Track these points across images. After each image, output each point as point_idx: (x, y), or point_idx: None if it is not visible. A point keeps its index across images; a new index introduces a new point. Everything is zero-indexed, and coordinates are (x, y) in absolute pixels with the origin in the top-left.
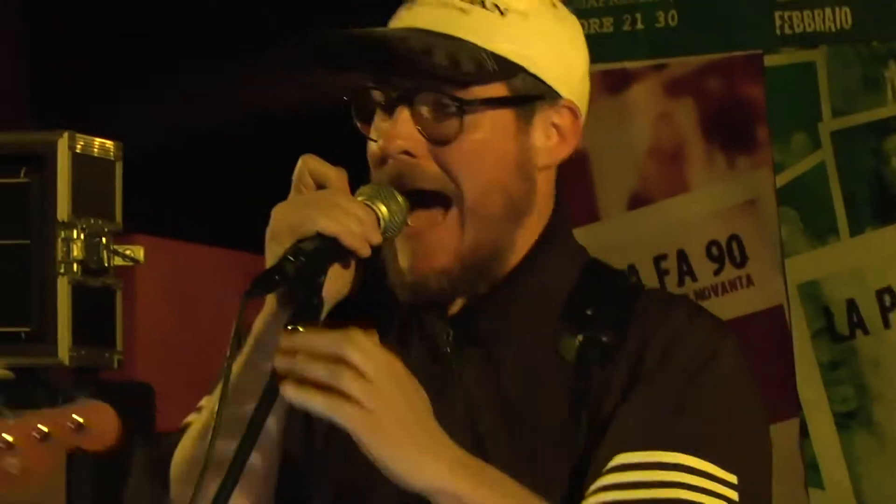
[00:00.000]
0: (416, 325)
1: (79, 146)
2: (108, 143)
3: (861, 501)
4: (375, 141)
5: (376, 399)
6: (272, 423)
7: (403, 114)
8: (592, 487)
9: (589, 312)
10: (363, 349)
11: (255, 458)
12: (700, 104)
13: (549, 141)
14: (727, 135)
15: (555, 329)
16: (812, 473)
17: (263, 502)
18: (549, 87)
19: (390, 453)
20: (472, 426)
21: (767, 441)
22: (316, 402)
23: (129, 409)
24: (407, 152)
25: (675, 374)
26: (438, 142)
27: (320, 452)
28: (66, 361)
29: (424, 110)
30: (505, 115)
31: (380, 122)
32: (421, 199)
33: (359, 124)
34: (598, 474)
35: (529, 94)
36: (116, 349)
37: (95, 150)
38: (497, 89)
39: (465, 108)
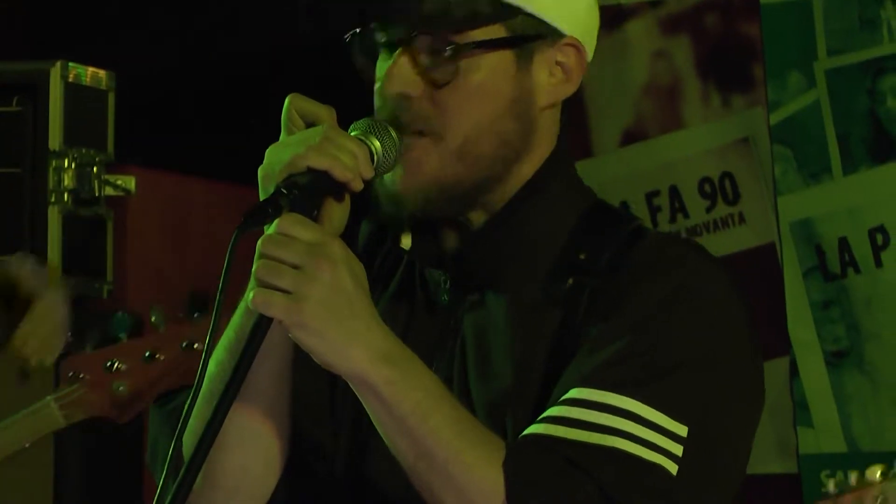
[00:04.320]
0: (416, 275)
1: (71, 75)
2: (101, 73)
3: (850, 441)
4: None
5: (303, 286)
6: (274, 360)
7: (402, 57)
8: (541, 416)
9: (582, 257)
10: (285, 239)
11: (258, 386)
12: (696, 42)
13: (552, 79)
14: (722, 72)
15: (547, 273)
16: (801, 412)
17: (277, 429)
18: (550, 26)
19: (314, 341)
20: (462, 373)
21: (745, 392)
22: (255, 303)
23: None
24: (403, 94)
25: (649, 312)
26: (434, 84)
27: (339, 406)
28: None
29: (422, 53)
30: (504, 57)
31: (382, 63)
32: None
33: (361, 63)
34: (554, 403)
35: (528, 35)
36: (106, 279)
37: (88, 79)
38: (495, 31)
39: (460, 51)
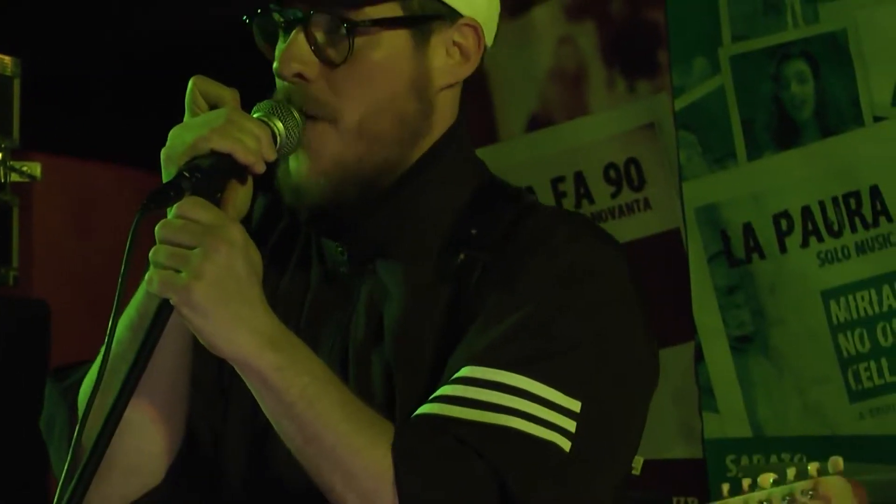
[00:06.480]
0: (314, 249)
1: None
2: (6, 59)
3: (755, 426)
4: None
5: (197, 265)
6: (177, 339)
7: (299, 36)
8: (433, 395)
9: (473, 232)
10: (183, 223)
11: (159, 372)
12: (601, 27)
13: (450, 60)
14: (627, 58)
15: (440, 247)
16: (706, 398)
17: (173, 412)
18: (448, 6)
19: (201, 322)
20: (358, 343)
21: (638, 368)
22: (149, 284)
23: (24, 326)
24: (300, 75)
25: (542, 288)
26: (331, 63)
27: (227, 389)
28: None
29: (318, 32)
30: (400, 36)
31: (281, 45)
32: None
33: (262, 46)
34: (446, 381)
35: (424, 15)
36: (12, 266)
37: None
38: (391, 9)
39: (355, 29)
